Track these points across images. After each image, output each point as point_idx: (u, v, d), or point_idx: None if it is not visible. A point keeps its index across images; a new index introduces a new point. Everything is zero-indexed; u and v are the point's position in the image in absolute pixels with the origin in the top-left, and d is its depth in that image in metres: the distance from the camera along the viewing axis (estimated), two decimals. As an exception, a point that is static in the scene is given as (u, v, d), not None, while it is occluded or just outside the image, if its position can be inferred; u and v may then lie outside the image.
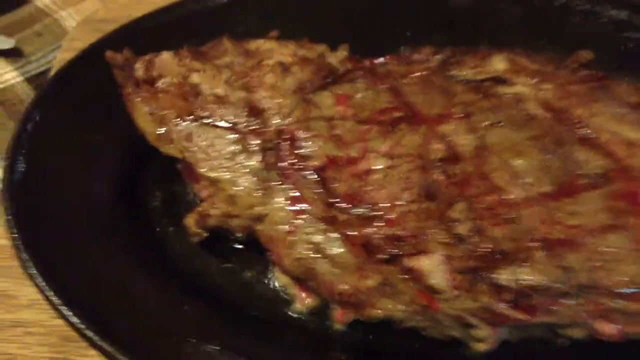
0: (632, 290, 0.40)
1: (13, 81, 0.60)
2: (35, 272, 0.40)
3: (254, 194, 0.44)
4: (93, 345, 0.40)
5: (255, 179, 0.45)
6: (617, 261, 0.41)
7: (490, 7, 0.58)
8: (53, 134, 0.47)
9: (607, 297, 0.40)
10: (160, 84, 0.48)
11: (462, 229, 0.41)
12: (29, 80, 0.61)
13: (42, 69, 0.61)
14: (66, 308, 0.40)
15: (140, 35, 0.53)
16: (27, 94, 0.60)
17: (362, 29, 0.57)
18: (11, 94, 0.60)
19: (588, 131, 0.46)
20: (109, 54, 0.48)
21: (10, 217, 0.43)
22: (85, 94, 0.50)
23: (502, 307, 0.40)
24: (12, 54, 0.63)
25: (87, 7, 0.67)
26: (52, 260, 0.42)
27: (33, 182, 0.45)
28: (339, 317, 0.44)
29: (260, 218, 0.44)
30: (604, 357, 0.43)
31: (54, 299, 0.40)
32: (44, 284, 0.40)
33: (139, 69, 0.48)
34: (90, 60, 0.50)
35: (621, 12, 0.57)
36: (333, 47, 0.52)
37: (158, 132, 0.47)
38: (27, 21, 0.66)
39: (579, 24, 0.57)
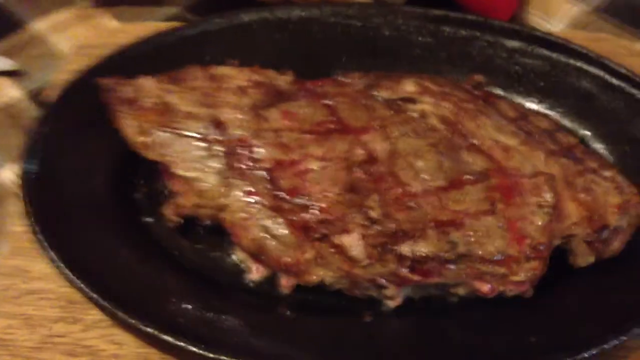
0: (498, 257, 0.54)
1: (16, 98, 0.72)
2: (49, 249, 0.53)
3: (218, 189, 0.57)
4: (96, 304, 0.53)
5: (219, 177, 0.57)
6: (488, 237, 0.54)
7: (407, 38, 0.71)
8: (60, 141, 0.60)
9: (481, 263, 0.54)
10: (141, 102, 0.61)
11: (374, 214, 0.54)
12: (32, 97, 0.72)
13: (42, 87, 0.73)
14: (74, 276, 0.52)
15: (125, 62, 0.66)
16: (29, 108, 0.72)
17: (304, 56, 0.70)
18: (16, 108, 0.71)
19: (474, 140, 0.60)
20: (100, 79, 0.61)
21: (27, 207, 0.55)
22: (85, 108, 0.62)
23: (404, 272, 0.54)
24: (13, 74, 0.74)
25: (77, 33, 0.78)
26: (61, 240, 0.54)
27: (45, 178, 0.57)
28: (285, 283, 0.56)
29: (223, 208, 0.57)
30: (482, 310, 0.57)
31: (65, 269, 0.52)
32: (56, 258, 0.53)
33: (123, 90, 0.61)
34: (88, 81, 0.62)
35: (513, 42, 0.71)
36: (280, 70, 0.65)
37: (140, 141, 0.59)
38: (24, 45, 0.77)
39: (478, 51, 0.71)
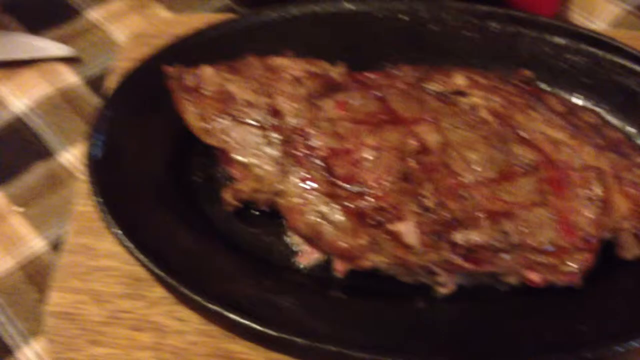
0: (549, 248, 0.56)
1: (74, 83, 0.75)
2: (116, 228, 0.55)
3: (275, 175, 0.59)
4: (160, 281, 0.55)
5: (276, 163, 0.60)
6: (540, 227, 0.56)
7: (454, 34, 0.73)
8: (124, 122, 0.62)
9: (532, 253, 0.56)
10: (202, 90, 0.63)
11: (428, 202, 0.56)
12: (89, 83, 0.75)
13: (98, 73, 0.75)
14: (140, 254, 0.54)
15: (185, 51, 0.68)
16: (88, 93, 0.74)
17: (354, 49, 0.71)
18: (74, 94, 0.74)
19: (524, 133, 0.62)
20: (165, 67, 0.63)
21: (94, 187, 0.57)
22: (147, 94, 0.64)
23: (457, 259, 0.56)
24: (71, 61, 0.77)
25: (132, 23, 0.80)
26: (126, 220, 0.56)
27: (110, 160, 0.59)
28: (339, 267, 0.58)
29: (280, 193, 0.59)
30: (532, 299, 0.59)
31: (131, 247, 0.55)
32: (123, 237, 0.55)
33: (186, 78, 0.63)
34: (150, 68, 0.65)
35: (558, 39, 0.72)
36: (333, 63, 0.67)
37: (201, 127, 0.62)
38: (81, 32, 0.79)
39: (524, 47, 0.72)
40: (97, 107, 0.62)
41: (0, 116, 0.73)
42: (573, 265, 0.56)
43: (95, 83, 0.75)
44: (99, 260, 0.59)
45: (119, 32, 0.80)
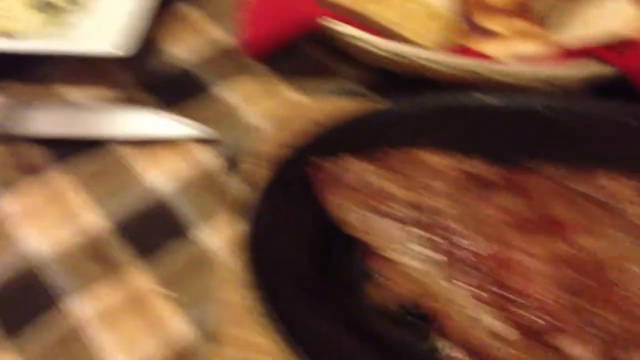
0: None
1: (211, 164, 0.75)
2: (274, 327, 0.55)
3: (427, 277, 0.58)
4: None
5: (427, 264, 0.58)
6: None
7: (602, 131, 0.71)
8: (273, 212, 0.62)
9: None
10: (349, 182, 0.63)
11: (604, 323, 0.53)
12: (225, 164, 0.75)
13: (234, 155, 0.76)
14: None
15: (327, 140, 0.68)
16: (225, 175, 0.74)
17: (496, 144, 0.70)
18: (211, 174, 0.74)
19: None
20: (312, 157, 0.64)
21: (249, 279, 0.57)
22: (294, 183, 0.64)
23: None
24: (207, 141, 0.78)
25: (265, 104, 0.81)
26: (281, 316, 0.56)
27: (261, 251, 0.59)
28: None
29: (432, 296, 0.58)
30: None
31: (291, 348, 0.54)
32: (282, 337, 0.54)
33: (330, 169, 0.64)
34: (296, 157, 0.65)
35: None
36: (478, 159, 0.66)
37: (347, 220, 0.61)
38: (216, 113, 0.80)
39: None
40: (244, 194, 0.63)
41: (137, 193, 0.73)
42: None
43: (231, 164, 0.76)
44: (251, 353, 0.58)
45: (253, 114, 0.81)
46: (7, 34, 0.85)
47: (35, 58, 0.86)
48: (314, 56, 0.89)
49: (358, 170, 0.64)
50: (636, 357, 0.52)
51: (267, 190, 0.63)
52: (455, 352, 0.58)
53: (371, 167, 0.64)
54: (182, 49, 0.90)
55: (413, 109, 0.72)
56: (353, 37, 0.80)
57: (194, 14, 0.95)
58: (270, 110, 0.81)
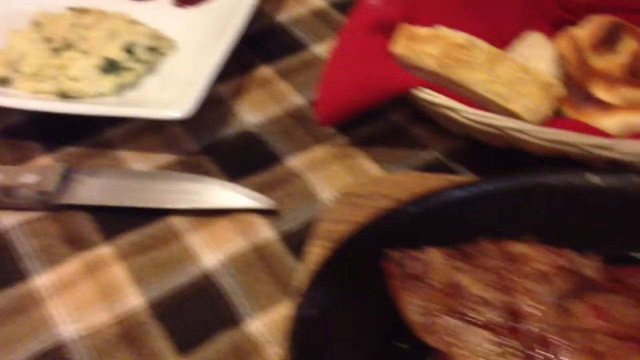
0: None
1: (270, 238, 0.68)
2: None
3: (509, 396, 0.48)
4: None
5: (511, 381, 0.48)
6: None
7: None
8: (330, 303, 0.53)
9: None
10: (429, 280, 0.53)
11: None
12: (285, 239, 0.68)
13: (295, 228, 0.68)
14: None
15: (399, 223, 0.59)
16: (282, 251, 0.67)
17: (606, 235, 0.59)
18: (269, 250, 0.67)
19: None
20: (386, 250, 0.54)
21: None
22: (358, 272, 0.56)
23: None
24: (266, 212, 0.70)
25: (334, 174, 0.74)
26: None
27: (312, 347, 0.51)
28: None
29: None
30: None
31: None
32: None
33: (410, 263, 0.54)
34: (360, 244, 0.56)
35: None
36: (582, 253, 0.55)
37: (423, 323, 0.51)
38: (281, 181, 0.73)
39: None
40: (299, 283, 0.54)
41: (190, 271, 0.66)
42: None
43: (291, 239, 0.68)
44: None
45: (320, 183, 0.74)
46: (69, 96, 0.81)
47: (97, 121, 0.82)
48: (399, 123, 0.81)
49: (444, 267, 0.54)
50: None
51: (322, 276, 0.54)
52: None
53: (460, 264, 0.54)
54: (256, 115, 0.83)
55: (510, 187, 0.62)
56: (442, 106, 0.71)
57: (274, 79, 0.88)
58: (342, 183, 0.73)
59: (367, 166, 0.76)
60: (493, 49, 0.73)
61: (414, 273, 0.53)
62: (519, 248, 0.54)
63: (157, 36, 0.88)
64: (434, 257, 0.54)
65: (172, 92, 0.79)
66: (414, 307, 0.52)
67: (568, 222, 0.61)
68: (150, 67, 0.86)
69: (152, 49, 0.86)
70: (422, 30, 0.74)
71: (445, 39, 0.72)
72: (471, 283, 0.52)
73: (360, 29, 0.78)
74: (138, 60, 0.85)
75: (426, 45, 0.73)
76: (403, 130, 0.80)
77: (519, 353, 0.49)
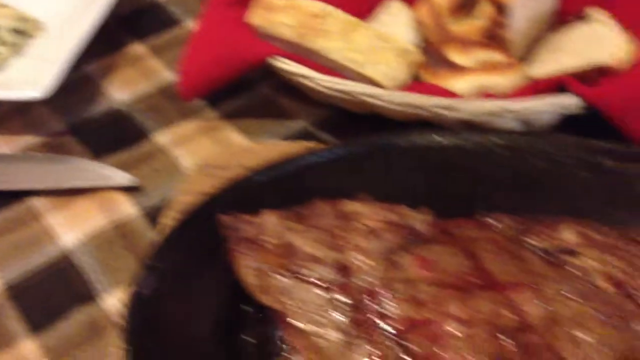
0: None
1: (133, 215, 0.68)
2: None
3: (339, 348, 0.49)
4: None
5: (341, 333, 0.50)
6: None
7: (563, 173, 0.61)
8: (170, 280, 0.54)
9: None
10: (261, 241, 0.54)
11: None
12: (149, 214, 0.68)
13: (158, 204, 0.69)
14: None
15: (246, 191, 0.60)
16: (145, 227, 0.67)
17: (443, 190, 0.62)
18: (130, 227, 0.67)
19: (654, 309, 0.49)
20: (219, 215, 0.55)
21: (127, 348, 0.49)
22: (199, 243, 0.56)
23: None
24: (131, 189, 0.70)
25: (200, 147, 0.74)
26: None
27: (150, 325, 0.51)
28: None
29: (348, 373, 0.49)
30: None
31: None
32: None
33: (243, 227, 0.55)
34: (205, 213, 0.57)
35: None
36: (415, 205, 0.57)
37: (257, 284, 0.53)
38: (144, 157, 0.73)
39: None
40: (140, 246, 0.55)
41: (49, 251, 0.66)
42: None
43: (154, 215, 0.68)
44: None
45: (186, 158, 0.74)
46: None
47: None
48: (267, 95, 0.82)
49: (277, 228, 0.55)
50: None
51: (164, 247, 0.55)
52: None
53: (293, 225, 0.56)
54: (126, 92, 0.83)
55: (352, 151, 0.64)
56: (298, 75, 0.72)
57: (146, 56, 0.89)
58: (204, 152, 0.74)
59: (235, 138, 0.77)
60: (348, 17, 0.74)
61: (249, 236, 0.54)
62: (352, 207, 0.56)
63: (23, 18, 0.86)
64: (268, 220, 0.55)
65: (36, 72, 0.78)
66: (248, 269, 0.53)
67: (414, 181, 0.63)
68: (16, 49, 0.84)
69: (18, 31, 0.85)
70: (278, 1, 0.74)
71: (300, 9, 0.73)
72: (303, 242, 0.53)
73: (221, 1, 0.79)
74: (3, 43, 0.83)
75: (282, 15, 0.74)
76: (272, 102, 0.81)
77: (347, 307, 0.51)
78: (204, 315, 0.55)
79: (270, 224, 0.54)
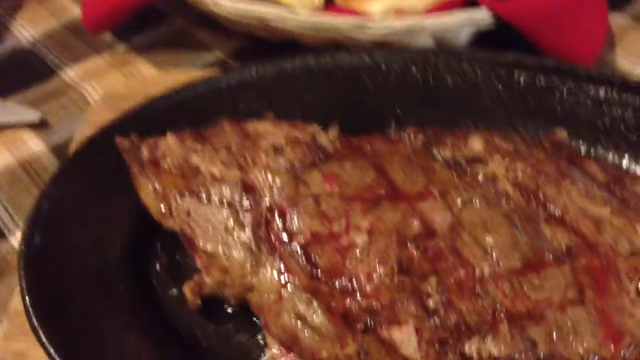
0: (590, 361, 0.43)
1: (39, 152, 0.66)
2: (44, 339, 0.45)
3: (245, 266, 0.48)
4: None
5: (246, 252, 0.49)
6: (576, 334, 0.44)
7: (474, 87, 0.61)
8: (68, 209, 0.52)
9: (567, 368, 0.44)
10: (163, 164, 0.53)
11: (432, 302, 0.45)
12: (54, 150, 0.66)
13: (66, 140, 0.66)
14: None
15: (151, 116, 0.58)
16: (52, 164, 0.65)
17: (353, 108, 0.61)
18: (37, 164, 0.65)
19: (556, 210, 0.50)
20: (118, 139, 0.53)
21: (24, 286, 0.48)
22: (98, 172, 0.54)
23: (470, 377, 0.44)
24: (38, 125, 0.68)
25: (110, 81, 0.72)
26: (61, 327, 0.46)
27: (47, 254, 0.50)
28: (323, 381, 0.47)
29: (251, 288, 0.48)
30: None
31: None
32: (52, 350, 0.45)
33: (144, 151, 0.53)
34: (104, 140, 0.55)
35: (600, 90, 0.60)
36: (325, 125, 0.56)
37: (161, 208, 0.51)
38: (52, 94, 0.71)
39: (558, 102, 0.60)
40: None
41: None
42: (622, 385, 0.43)
43: (62, 150, 0.66)
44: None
45: (95, 93, 0.72)
46: None
47: None
48: (182, 27, 0.80)
49: (178, 149, 0.53)
50: (470, 346, 0.43)
51: (60, 175, 0.53)
52: (274, 346, 0.49)
53: (194, 145, 0.54)
54: (33, 30, 0.80)
55: (260, 73, 0.62)
56: (209, 3, 0.70)
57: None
58: (109, 85, 0.71)
59: (146, 72, 0.74)
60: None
61: (150, 159, 0.52)
62: (256, 126, 0.55)
63: None
64: (170, 142, 0.53)
65: None
66: (151, 193, 0.52)
67: (324, 102, 0.62)
68: None
69: None
70: None
71: None
72: (207, 163, 0.52)
73: None
74: None
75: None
76: (186, 34, 0.79)
77: (253, 226, 0.50)
78: (110, 244, 0.53)
79: (171, 145, 0.53)
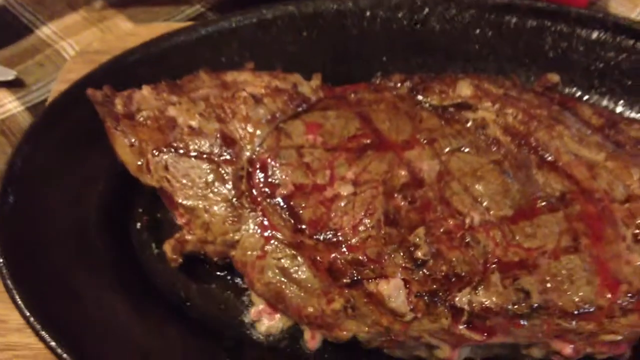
0: (585, 310, 0.42)
1: (15, 111, 0.63)
2: (19, 300, 0.43)
3: (227, 221, 0.47)
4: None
5: (228, 206, 0.47)
6: (571, 283, 0.42)
7: (462, 32, 0.59)
8: (42, 167, 0.50)
9: (562, 318, 0.42)
10: (138, 117, 0.50)
11: (420, 253, 0.43)
12: (30, 109, 0.64)
13: (42, 98, 0.64)
14: (47, 334, 0.42)
15: (127, 69, 0.56)
16: (28, 123, 0.63)
17: (337, 56, 0.59)
18: (13, 123, 0.63)
19: (549, 155, 0.48)
20: (90, 91, 0.51)
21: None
22: (73, 127, 0.52)
23: (460, 329, 0.42)
24: (14, 85, 0.66)
25: (87, 38, 0.69)
26: (36, 289, 0.44)
27: (22, 213, 0.48)
28: (309, 338, 0.46)
29: (233, 244, 0.46)
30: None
31: (36, 325, 0.42)
32: (26, 311, 0.43)
33: (119, 104, 0.50)
34: (78, 95, 0.53)
35: (593, 33, 0.58)
36: (309, 76, 0.54)
37: (138, 164, 0.49)
38: (29, 52, 0.68)
39: (550, 46, 0.58)
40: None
41: None
42: (617, 332, 0.41)
43: (37, 110, 0.64)
44: (8, 335, 0.47)
45: (72, 50, 0.69)
46: None
47: None
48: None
49: (154, 102, 0.51)
50: (460, 297, 0.41)
51: (31, 133, 0.51)
52: (259, 304, 0.47)
53: (171, 97, 0.51)
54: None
55: (242, 23, 0.60)
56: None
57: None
58: (86, 41, 0.69)
59: (124, 27, 0.72)
60: None
61: (125, 112, 0.50)
62: (235, 76, 0.52)
63: None
64: (146, 94, 0.51)
65: None
66: (126, 147, 0.49)
67: (308, 49, 0.60)
68: None
69: None
70: None
71: None
72: (184, 115, 0.49)
73: None
74: None
75: None
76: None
77: (234, 178, 0.48)
78: (87, 202, 0.51)
79: (147, 98, 0.50)
